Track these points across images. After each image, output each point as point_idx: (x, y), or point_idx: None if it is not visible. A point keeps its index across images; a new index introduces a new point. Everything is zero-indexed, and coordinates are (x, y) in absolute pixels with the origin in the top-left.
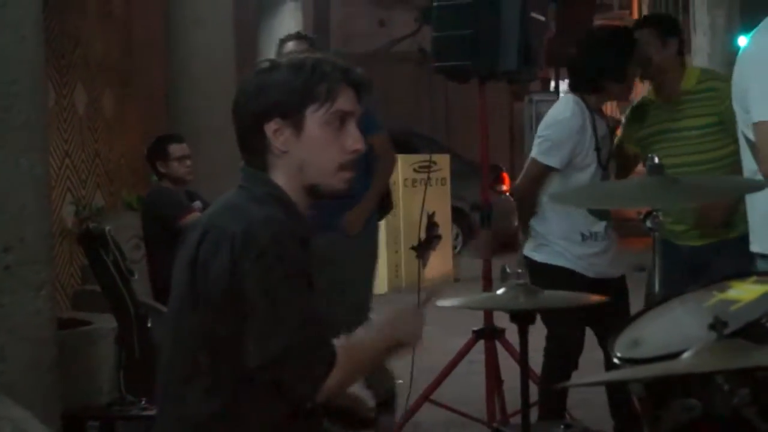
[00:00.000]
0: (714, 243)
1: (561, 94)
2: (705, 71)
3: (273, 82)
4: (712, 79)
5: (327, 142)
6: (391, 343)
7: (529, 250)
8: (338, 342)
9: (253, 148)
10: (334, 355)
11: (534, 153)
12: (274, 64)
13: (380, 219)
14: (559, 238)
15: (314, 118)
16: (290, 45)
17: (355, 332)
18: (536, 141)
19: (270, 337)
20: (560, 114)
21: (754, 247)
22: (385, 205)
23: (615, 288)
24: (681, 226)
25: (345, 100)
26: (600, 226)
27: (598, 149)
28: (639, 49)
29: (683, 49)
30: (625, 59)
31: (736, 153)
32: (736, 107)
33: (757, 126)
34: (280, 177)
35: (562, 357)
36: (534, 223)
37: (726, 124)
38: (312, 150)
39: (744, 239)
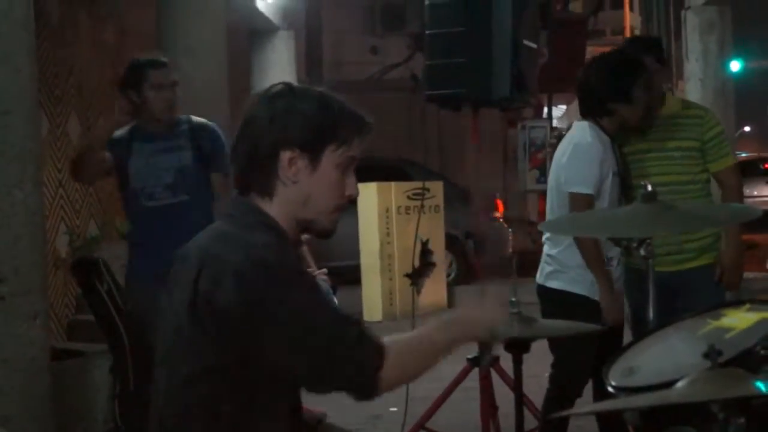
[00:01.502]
0: (691, 268)
1: (554, 120)
2: (685, 101)
3: (301, 111)
4: (696, 107)
5: (334, 183)
6: (463, 332)
7: (543, 279)
8: (396, 336)
9: (262, 172)
10: (382, 347)
11: (570, 188)
12: (296, 91)
13: None
14: (577, 265)
15: (331, 157)
16: (155, 74)
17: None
18: (565, 174)
19: (316, 348)
20: (582, 140)
21: None
22: None
23: None
24: (659, 251)
25: (356, 147)
26: (615, 252)
27: (618, 174)
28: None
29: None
30: (631, 80)
31: (705, 181)
32: None
33: None
34: (277, 206)
35: (568, 385)
36: (548, 250)
37: (705, 151)
38: (320, 187)
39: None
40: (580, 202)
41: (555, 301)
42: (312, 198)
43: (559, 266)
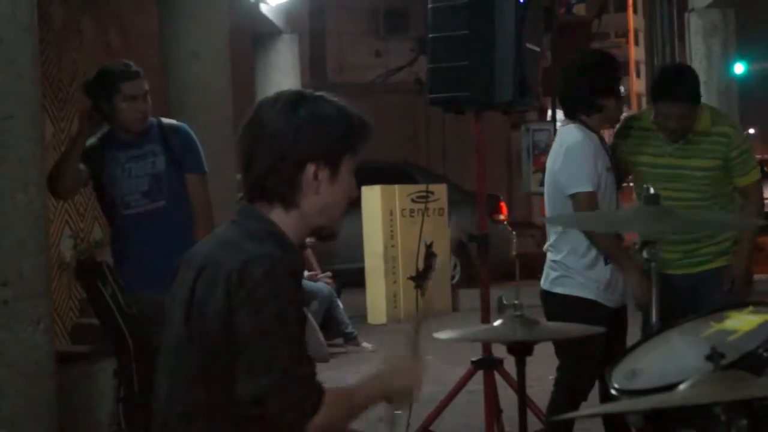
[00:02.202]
0: (703, 271)
1: (558, 123)
2: (715, 112)
3: (327, 124)
4: (723, 124)
5: (347, 190)
6: (384, 395)
7: (548, 284)
8: (330, 386)
9: (285, 183)
10: (323, 394)
11: (571, 189)
12: (314, 101)
13: None
14: (584, 267)
15: (346, 166)
16: (128, 85)
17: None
18: (564, 178)
19: (260, 372)
20: (572, 140)
21: None
22: None
23: (621, 318)
24: (671, 255)
25: (361, 151)
26: None
27: (611, 169)
28: (675, 117)
29: None
30: (617, 76)
31: (729, 194)
32: None
33: None
34: (295, 216)
35: (573, 389)
36: (552, 257)
37: (729, 168)
38: (337, 195)
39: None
40: (585, 201)
41: (561, 307)
42: (329, 206)
43: (565, 271)
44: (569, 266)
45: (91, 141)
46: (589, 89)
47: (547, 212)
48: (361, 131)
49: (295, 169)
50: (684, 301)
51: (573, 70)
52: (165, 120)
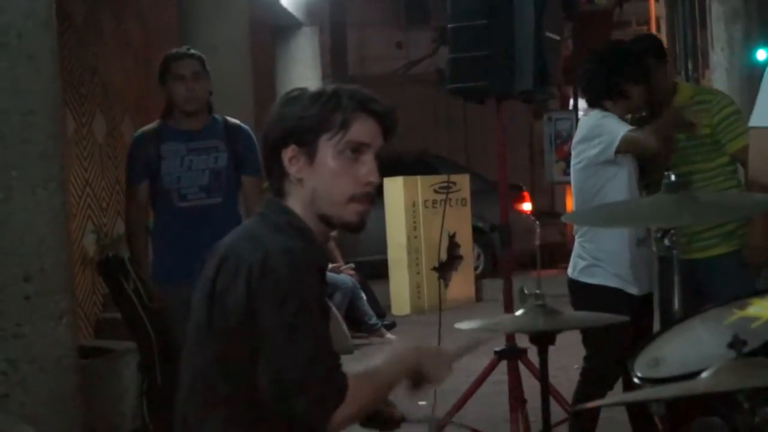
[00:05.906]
0: (716, 256)
1: (580, 112)
2: (699, 88)
3: (293, 109)
4: (704, 93)
5: (338, 172)
6: (406, 372)
7: (576, 273)
8: (351, 372)
9: (272, 174)
10: (346, 388)
11: (604, 157)
12: (300, 93)
13: None
14: (616, 250)
15: (327, 146)
16: (176, 64)
17: (373, 357)
18: (590, 146)
19: (284, 368)
20: (598, 118)
21: None
22: None
23: (646, 305)
24: (682, 239)
25: (361, 131)
26: (646, 231)
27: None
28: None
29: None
30: (641, 60)
31: (727, 165)
32: None
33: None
34: (297, 204)
35: (600, 378)
36: (584, 241)
37: (718, 136)
38: (323, 179)
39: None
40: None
41: (588, 296)
42: (318, 191)
43: (594, 260)
44: (600, 247)
45: (150, 128)
46: (613, 75)
47: (574, 197)
48: (335, 107)
49: (273, 157)
50: (694, 287)
51: (599, 57)
52: (230, 119)
